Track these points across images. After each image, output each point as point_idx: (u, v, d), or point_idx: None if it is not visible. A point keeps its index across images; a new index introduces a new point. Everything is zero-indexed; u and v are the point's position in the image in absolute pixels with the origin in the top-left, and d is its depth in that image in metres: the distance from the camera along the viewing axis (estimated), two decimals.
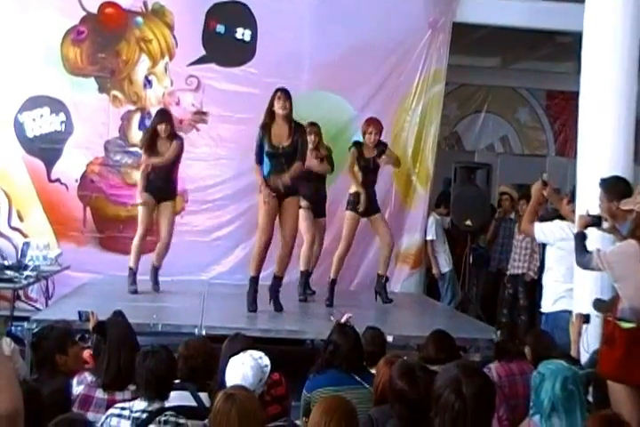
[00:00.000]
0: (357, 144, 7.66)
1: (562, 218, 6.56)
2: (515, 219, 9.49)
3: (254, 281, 7.01)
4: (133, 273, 7.66)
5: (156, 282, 7.73)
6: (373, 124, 7.66)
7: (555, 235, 6.38)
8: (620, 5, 6.18)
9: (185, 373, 4.08)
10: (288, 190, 6.93)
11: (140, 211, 7.72)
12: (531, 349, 4.65)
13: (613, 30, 6.19)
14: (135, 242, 7.70)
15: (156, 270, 7.76)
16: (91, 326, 4.74)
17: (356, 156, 7.54)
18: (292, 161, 6.95)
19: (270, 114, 6.95)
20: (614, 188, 5.18)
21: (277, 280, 7.07)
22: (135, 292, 7.49)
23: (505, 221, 9.73)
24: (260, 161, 6.99)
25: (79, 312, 5.22)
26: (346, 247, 7.70)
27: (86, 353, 4.60)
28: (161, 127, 7.58)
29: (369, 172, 7.62)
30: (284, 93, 6.95)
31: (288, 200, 6.98)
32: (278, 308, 6.95)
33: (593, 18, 6.33)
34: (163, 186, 7.68)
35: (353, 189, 7.61)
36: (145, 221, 7.67)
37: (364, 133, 7.64)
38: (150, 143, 7.62)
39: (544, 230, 6.45)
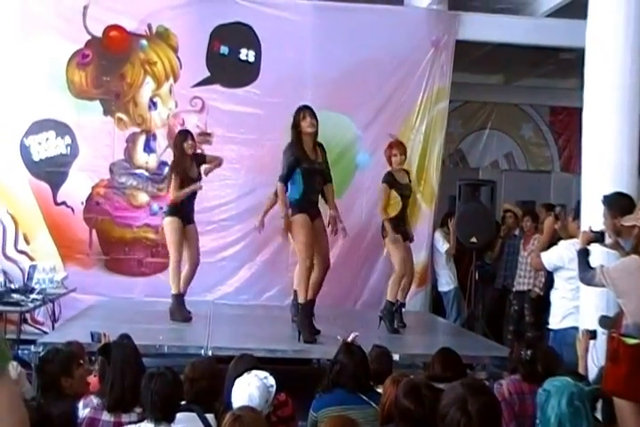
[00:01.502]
0: (389, 175, 7.43)
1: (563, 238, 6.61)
2: (519, 235, 9.49)
3: (310, 307, 6.73)
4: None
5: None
6: (396, 146, 7.59)
7: (563, 259, 6.38)
8: (622, 21, 6.21)
9: (191, 395, 4.07)
10: (316, 212, 6.83)
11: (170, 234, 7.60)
12: (539, 366, 4.62)
13: (615, 46, 6.21)
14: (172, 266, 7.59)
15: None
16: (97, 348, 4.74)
17: (390, 187, 7.37)
18: (323, 179, 6.88)
19: (297, 134, 6.76)
20: (617, 204, 5.17)
21: (312, 304, 6.79)
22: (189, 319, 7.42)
23: (510, 238, 9.73)
24: (286, 180, 6.69)
25: (91, 333, 5.20)
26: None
27: (92, 378, 4.57)
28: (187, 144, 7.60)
29: (406, 198, 7.50)
30: (310, 111, 6.81)
31: (316, 222, 6.82)
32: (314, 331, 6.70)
33: (595, 34, 6.36)
34: (190, 209, 7.69)
35: (387, 215, 7.38)
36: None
37: (389, 158, 7.51)
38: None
39: (551, 257, 6.47)
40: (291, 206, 6.72)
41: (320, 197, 6.96)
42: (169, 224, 7.55)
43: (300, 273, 6.70)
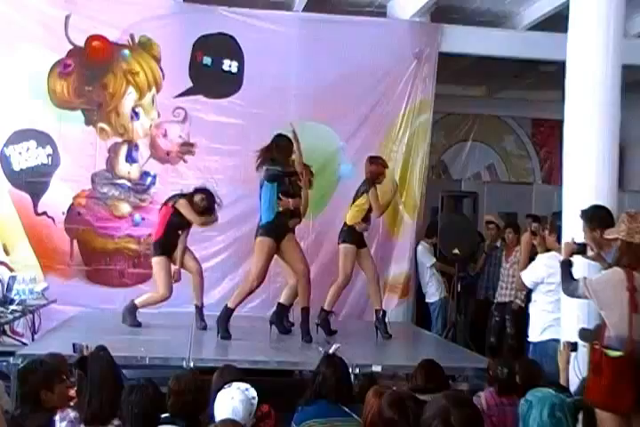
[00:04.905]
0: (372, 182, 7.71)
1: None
2: (501, 247, 9.50)
3: (230, 313, 7.23)
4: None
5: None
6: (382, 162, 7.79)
7: (540, 274, 6.39)
8: (603, 34, 6.25)
9: (176, 408, 4.01)
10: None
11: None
12: (519, 378, 4.63)
13: (596, 59, 6.25)
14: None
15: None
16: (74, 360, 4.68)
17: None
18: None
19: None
20: (595, 216, 5.21)
21: (307, 312, 7.20)
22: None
23: (491, 250, 9.73)
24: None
25: (74, 345, 5.15)
26: (345, 280, 7.73)
27: (73, 392, 4.52)
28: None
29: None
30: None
31: (288, 236, 7.18)
32: (308, 339, 7.07)
33: (576, 47, 6.39)
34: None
35: (350, 222, 7.62)
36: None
37: (377, 175, 7.68)
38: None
39: (530, 276, 6.49)
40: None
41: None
42: None
43: (247, 286, 7.31)
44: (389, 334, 7.54)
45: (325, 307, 7.61)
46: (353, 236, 7.62)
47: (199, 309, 7.83)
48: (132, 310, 7.65)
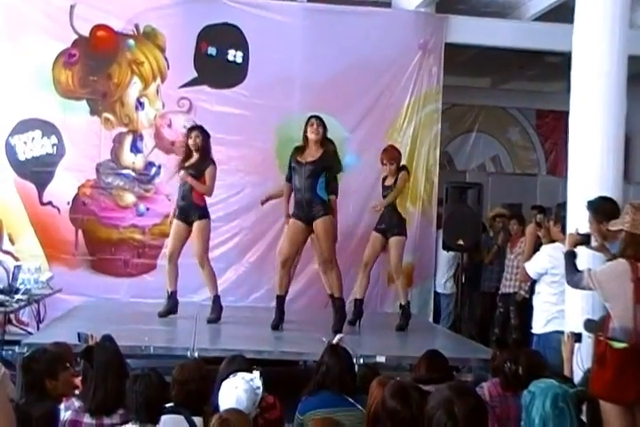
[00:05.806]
0: None
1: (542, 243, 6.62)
2: (505, 238, 9.49)
3: (279, 300, 7.26)
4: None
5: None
6: (383, 153, 7.79)
7: (544, 265, 6.35)
8: (609, 25, 6.22)
9: (180, 397, 4.03)
10: (316, 212, 7.06)
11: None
12: (522, 369, 4.63)
13: (602, 50, 6.22)
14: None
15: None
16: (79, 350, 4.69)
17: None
18: (310, 176, 7.04)
19: (304, 139, 7.16)
20: (601, 208, 5.19)
21: (341, 302, 7.28)
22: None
23: (504, 242, 9.68)
24: (287, 179, 7.28)
25: (79, 334, 5.16)
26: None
27: (78, 380, 4.54)
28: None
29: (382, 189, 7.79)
30: (318, 119, 7.16)
31: (316, 222, 7.09)
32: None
33: (582, 38, 6.36)
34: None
35: None
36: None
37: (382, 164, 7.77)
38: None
39: (535, 267, 6.46)
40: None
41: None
42: None
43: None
44: (400, 327, 7.57)
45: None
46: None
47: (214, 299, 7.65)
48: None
